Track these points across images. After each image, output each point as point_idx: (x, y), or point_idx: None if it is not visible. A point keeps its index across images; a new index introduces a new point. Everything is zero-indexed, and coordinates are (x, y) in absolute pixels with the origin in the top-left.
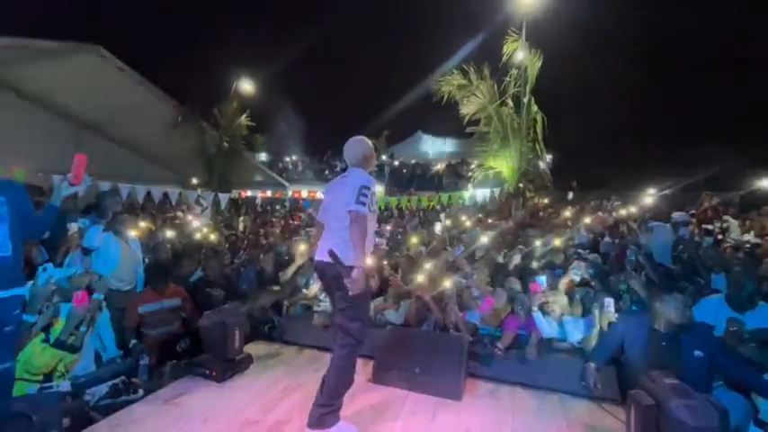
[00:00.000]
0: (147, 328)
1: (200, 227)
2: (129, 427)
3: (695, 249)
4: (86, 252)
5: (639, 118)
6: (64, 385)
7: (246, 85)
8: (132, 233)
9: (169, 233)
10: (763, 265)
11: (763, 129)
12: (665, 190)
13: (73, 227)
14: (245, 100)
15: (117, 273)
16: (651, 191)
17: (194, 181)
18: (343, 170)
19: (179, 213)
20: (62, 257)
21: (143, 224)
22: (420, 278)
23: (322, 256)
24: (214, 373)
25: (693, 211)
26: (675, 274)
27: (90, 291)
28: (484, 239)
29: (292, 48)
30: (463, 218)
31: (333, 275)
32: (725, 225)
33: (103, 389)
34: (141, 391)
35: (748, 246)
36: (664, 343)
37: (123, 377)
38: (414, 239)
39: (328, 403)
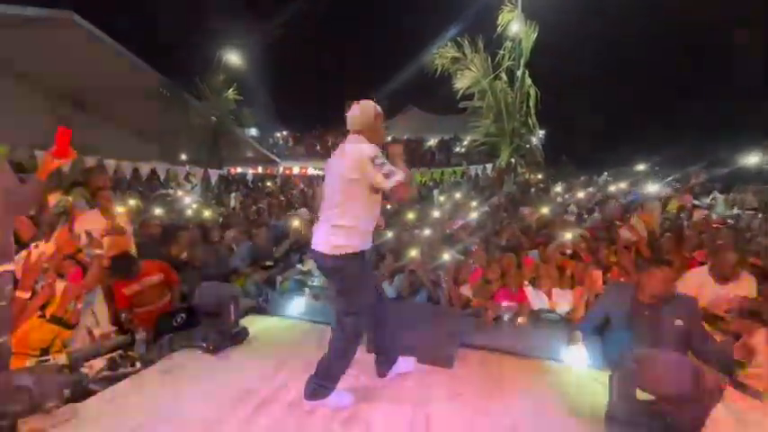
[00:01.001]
0: (137, 306)
1: (189, 204)
2: (129, 397)
3: (682, 223)
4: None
5: (634, 94)
6: (61, 359)
7: (233, 58)
8: (120, 209)
9: (158, 211)
10: (746, 238)
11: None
12: (656, 166)
13: (61, 202)
14: (232, 73)
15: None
16: (641, 167)
17: (182, 157)
18: (335, 145)
19: (168, 191)
20: (50, 234)
21: (132, 201)
22: (414, 252)
23: (315, 244)
24: (210, 346)
25: (679, 186)
26: (662, 246)
27: (84, 267)
28: (475, 215)
29: (282, 20)
30: (457, 194)
31: (326, 267)
32: (712, 200)
33: (101, 362)
34: (139, 364)
35: (733, 220)
36: (646, 313)
37: (120, 351)
38: (410, 215)
39: (322, 382)
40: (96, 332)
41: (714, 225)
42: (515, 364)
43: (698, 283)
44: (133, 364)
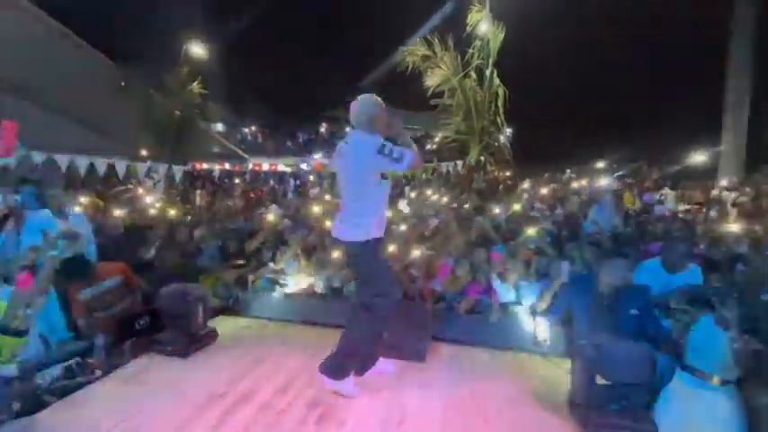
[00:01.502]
0: (95, 311)
1: (153, 202)
2: (88, 406)
3: (637, 218)
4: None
5: (595, 94)
6: (10, 370)
7: (198, 50)
8: (75, 209)
9: (119, 211)
10: (694, 231)
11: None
12: (614, 164)
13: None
14: (196, 65)
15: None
16: (601, 164)
17: (143, 153)
18: (306, 142)
19: (129, 187)
20: None
21: (88, 199)
22: (390, 248)
23: (338, 233)
24: (177, 349)
25: (631, 181)
26: (620, 240)
27: (33, 271)
28: (441, 211)
29: (250, 15)
30: (428, 191)
31: (348, 253)
32: (662, 196)
33: (56, 371)
34: (99, 372)
35: (683, 214)
36: (605, 303)
37: (77, 358)
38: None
39: (345, 361)
40: (52, 341)
41: (665, 219)
42: (486, 356)
43: (651, 274)
44: (92, 372)
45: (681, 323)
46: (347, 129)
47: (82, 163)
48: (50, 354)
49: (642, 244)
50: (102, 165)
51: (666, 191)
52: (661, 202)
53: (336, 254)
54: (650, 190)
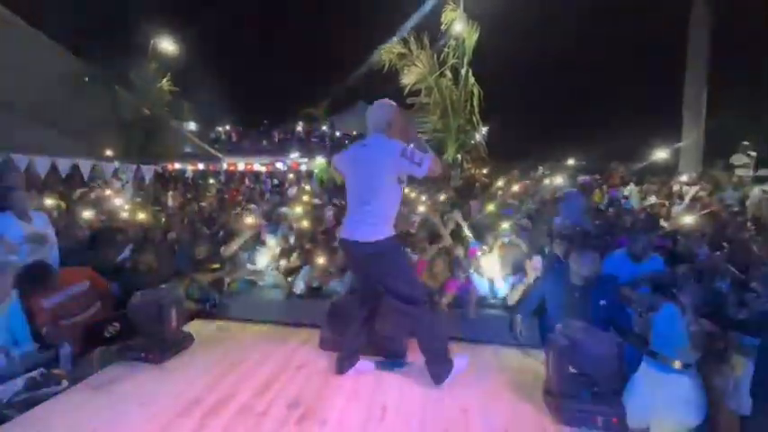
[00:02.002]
0: (60, 319)
1: (121, 205)
2: (53, 419)
3: (603, 212)
4: None
5: (566, 94)
6: None
7: (167, 45)
8: (37, 211)
9: (85, 213)
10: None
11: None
12: (583, 161)
13: None
14: (166, 62)
15: (24, 257)
16: (571, 161)
17: (108, 153)
18: (281, 141)
19: (95, 189)
20: None
21: (50, 201)
22: None
23: (358, 235)
24: (150, 356)
25: (597, 177)
26: (589, 233)
27: None
28: (422, 209)
29: (224, 11)
30: (406, 189)
31: (370, 254)
32: (627, 192)
33: (18, 383)
34: (65, 382)
35: (648, 208)
36: (576, 294)
37: (42, 369)
38: None
39: (444, 360)
40: (14, 352)
41: (630, 213)
42: (464, 350)
43: (618, 264)
44: (58, 383)
45: (641, 308)
46: (323, 127)
47: (42, 163)
48: (12, 366)
49: (610, 237)
50: (65, 165)
51: (632, 187)
52: (626, 198)
53: (321, 255)
54: (616, 186)
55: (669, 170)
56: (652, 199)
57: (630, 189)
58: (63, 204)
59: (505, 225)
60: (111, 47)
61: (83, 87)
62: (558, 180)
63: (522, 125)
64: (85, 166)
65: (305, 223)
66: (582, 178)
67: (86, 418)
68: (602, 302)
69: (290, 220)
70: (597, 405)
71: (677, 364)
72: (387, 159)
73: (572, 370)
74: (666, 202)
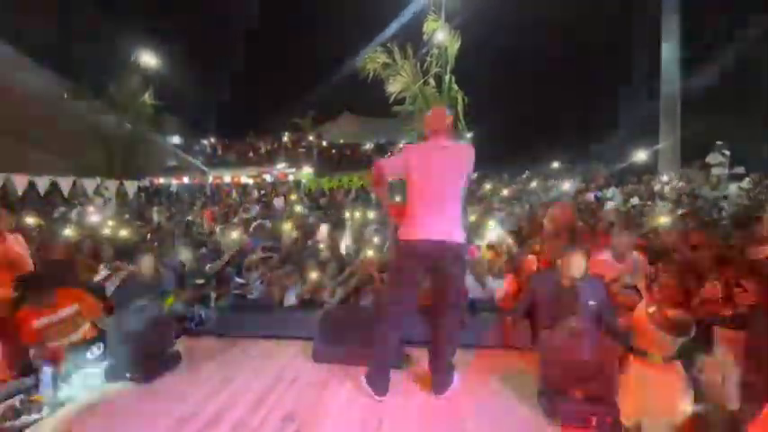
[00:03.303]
0: (48, 340)
1: (102, 221)
2: None
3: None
4: None
5: (549, 98)
6: None
7: (149, 59)
8: (11, 232)
9: (66, 230)
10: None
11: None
12: (567, 163)
13: None
14: (147, 75)
15: None
16: (556, 164)
17: (89, 169)
18: (268, 152)
19: (76, 206)
20: None
21: (30, 219)
22: (369, 252)
23: (441, 235)
24: (137, 376)
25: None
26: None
27: None
28: None
29: (207, 23)
30: (398, 198)
31: (451, 256)
32: (610, 194)
33: None
34: (47, 408)
35: (632, 209)
36: (565, 296)
37: (21, 396)
38: (357, 215)
39: (452, 369)
40: None
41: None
42: (459, 354)
43: (602, 263)
44: (39, 410)
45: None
46: (309, 137)
47: (20, 181)
48: None
49: (594, 237)
50: (44, 182)
51: (614, 189)
52: (609, 198)
53: (313, 268)
54: (599, 187)
55: (648, 170)
56: (635, 200)
57: (613, 191)
58: (41, 223)
59: (495, 228)
60: (91, 62)
61: (62, 103)
62: (566, 185)
63: (507, 130)
64: (65, 182)
65: (294, 235)
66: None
67: None
68: (592, 303)
69: (275, 232)
70: (591, 405)
71: (658, 359)
72: (465, 161)
73: (565, 371)
74: (649, 202)
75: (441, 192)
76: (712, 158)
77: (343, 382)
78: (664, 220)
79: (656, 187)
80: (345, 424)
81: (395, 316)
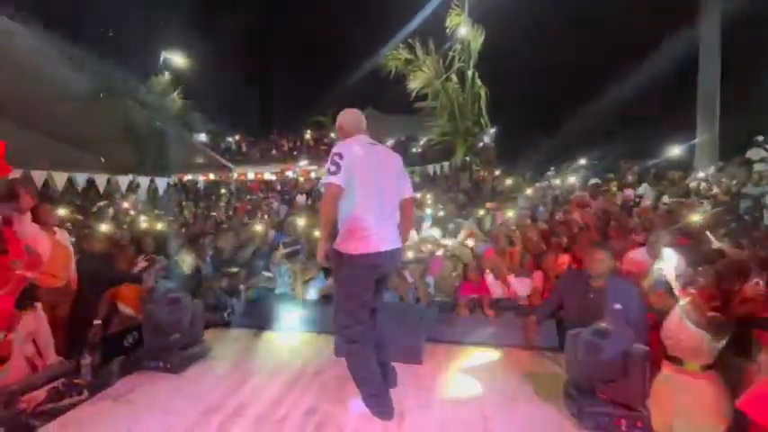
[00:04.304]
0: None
1: (137, 216)
2: (76, 429)
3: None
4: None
5: (578, 91)
6: None
7: (178, 59)
8: (58, 224)
9: (104, 225)
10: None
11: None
12: (595, 160)
13: None
14: (178, 74)
15: (49, 268)
16: (583, 161)
17: (123, 166)
18: (291, 149)
19: (113, 202)
20: None
21: (67, 215)
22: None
23: (395, 243)
24: (168, 365)
25: (612, 177)
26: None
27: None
28: (428, 210)
29: (233, 23)
30: (417, 195)
31: (398, 261)
32: (641, 191)
33: (41, 394)
34: (86, 392)
35: (664, 206)
36: (591, 296)
37: (63, 379)
38: None
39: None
40: (39, 363)
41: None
42: (481, 354)
43: (638, 262)
44: (79, 393)
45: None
46: (331, 134)
47: (60, 178)
48: (33, 376)
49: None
50: (81, 179)
51: (645, 186)
52: (641, 197)
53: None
54: (630, 186)
55: (684, 167)
56: (667, 197)
57: (645, 188)
58: (79, 218)
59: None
60: (124, 62)
61: (98, 103)
62: (570, 179)
63: (532, 125)
64: (101, 179)
65: (315, 233)
66: (593, 181)
67: (107, 427)
68: (618, 307)
69: (299, 228)
70: (621, 409)
71: (694, 367)
72: (401, 166)
73: (593, 373)
74: (684, 200)
75: (387, 200)
76: (753, 154)
77: None
78: (700, 217)
79: (692, 184)
80: (367, 419)
81: (366, 329)
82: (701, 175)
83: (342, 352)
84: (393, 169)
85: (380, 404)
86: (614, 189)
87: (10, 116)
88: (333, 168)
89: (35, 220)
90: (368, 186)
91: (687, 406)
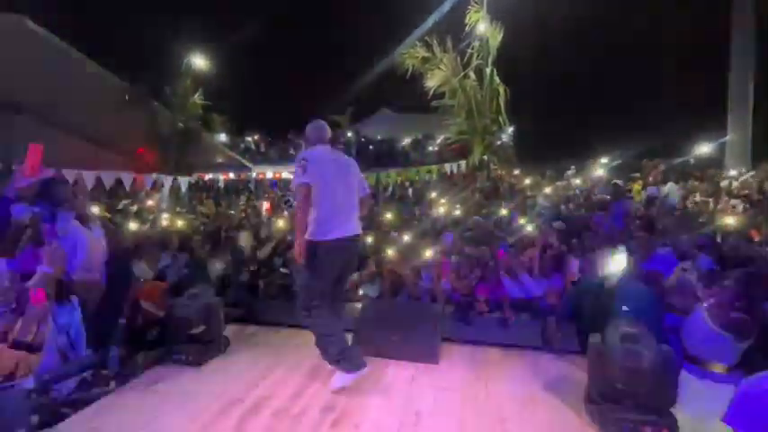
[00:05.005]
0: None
1: (160, 214)
2: (105, 418)
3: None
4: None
5: (599, 87)
6: (27, 383)
7: (199, 61)
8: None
9: (132, 223)
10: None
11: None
12: (617, 159)
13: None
14: (198, 77)
15: (85, 263)
16: (604, 160)
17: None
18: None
19: (138, 200)
20: (11, 250)
21: (97, 211)
22: (390, 252)
23: (354, 231)
24: (191, 358)
25: (636, 176)
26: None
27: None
28: (442, 209)
29: (249, 23)
30: (433, 194)
31: (354, 248)
32: (666, 190)
33: (71, 384)
34: (113, 383)
35: (691, 206)
36: (607, 297)
37: (92, 370)
38: (389, 215)
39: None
40: (71, 354)
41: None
42: (498, 354)
43: (663, 262)
44: (107, 384)
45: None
46: (348, 134)
47: (89, 177)
48: (68, 367)
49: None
50: (109, 178)
51: (671, 185)
52: (666, 196)
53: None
54: (655, 183)
55: (713, 166)
56: (696, 197)
57: (670, 187)
58: (108, 215)
59: (529, 227)
60: (148, 65)
61: (125, 105)
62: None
63: (553, 124)
64: (127, 178)
65: None
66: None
67: (134, 415)
68: (640, 306)
69: None
70: (646, 414)
71: (719, 368)
72: (356, 169)
73: (618, 377)
74: (711, 200)
75: (348, 197)
76: None
77: (381, 376)
78: (732, 219)
79: (723, 183)
80: (384, 416)
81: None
82: (733, 173)
83: (306, 325)
84: (350, 172)
85: (351, 359)
86: (638, 187)
87: (46, 120)
88: (300, 171)
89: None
90: (329, 185)
91: (711, 411)
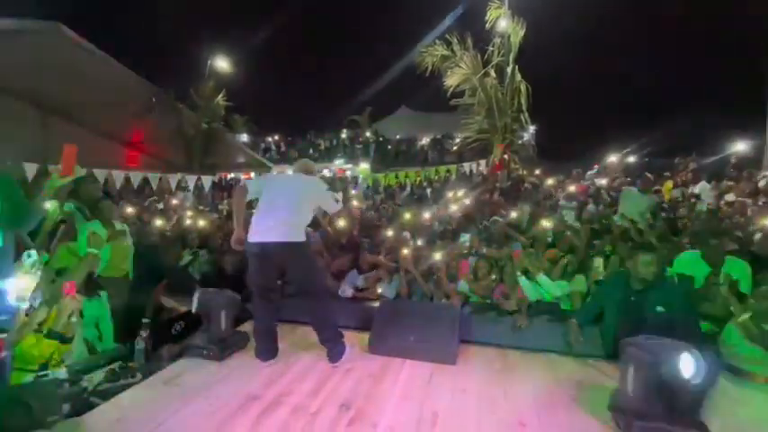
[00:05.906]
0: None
1: (185, 212)
2: (131, 408)
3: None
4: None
5: (624, 85)
6: (60, 373)
7: (222, 64)
8: (119, 220)
9: (157, 220)
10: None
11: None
12: (645, 157)
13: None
14: (222, 79)
15: (111, 261)
16: (632, 158)
17: (174, 165)
18: (327, 149)
19: (164, 198)
20: (47, 247)
21: (128, 210)
22: (404, 252)
23: (281, 238)
24: (212, 353)
25: (667, 174)
26: (649, 232)
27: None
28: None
29: (270, 24)
30: (450, 194)
31: (293, 252)
32: (698, 189)
33: (100, 375)
34: (139, 375)
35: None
36: (632, 299)
37: (119, 362)
38: (407, 215)
39: (341, 340)
40: (99, 347)
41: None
42: (517, 357)
43: (691, 265)
44: (133, 375)
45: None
46: (367, 133)
47: (118, 176)
48: (95, 357)
49: (676, 237)
50: (136, 178)
51: (703, 184)
52: (697, 196)
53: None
54: (686, 183)
55: (750, 166)
56: (731, 197)
57: (702, 186)
58: (136, 213)
59: (547, 224)
60: (173, 67)
61: (150, 108)
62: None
63: (578, 122)
64: (153, 178)
65: (341, 223)
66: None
67: (159, 407)
68: (660, 309)
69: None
70: (678, 425)
71: (760, 379)
72: (317, 188)
73: (654, 386)
74: (747, 200)
75: (285, 206)
76: None
77: (398, 376)
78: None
79: (762, 183)
80: (401, 416)
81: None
82: None
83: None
84: (300, 191)
85: (260, 348)
86: (669, 186)
87: (78, 121)
88: (251, 178)
89: (100, 216)
90: (268, 196)
91: (751, 422)
